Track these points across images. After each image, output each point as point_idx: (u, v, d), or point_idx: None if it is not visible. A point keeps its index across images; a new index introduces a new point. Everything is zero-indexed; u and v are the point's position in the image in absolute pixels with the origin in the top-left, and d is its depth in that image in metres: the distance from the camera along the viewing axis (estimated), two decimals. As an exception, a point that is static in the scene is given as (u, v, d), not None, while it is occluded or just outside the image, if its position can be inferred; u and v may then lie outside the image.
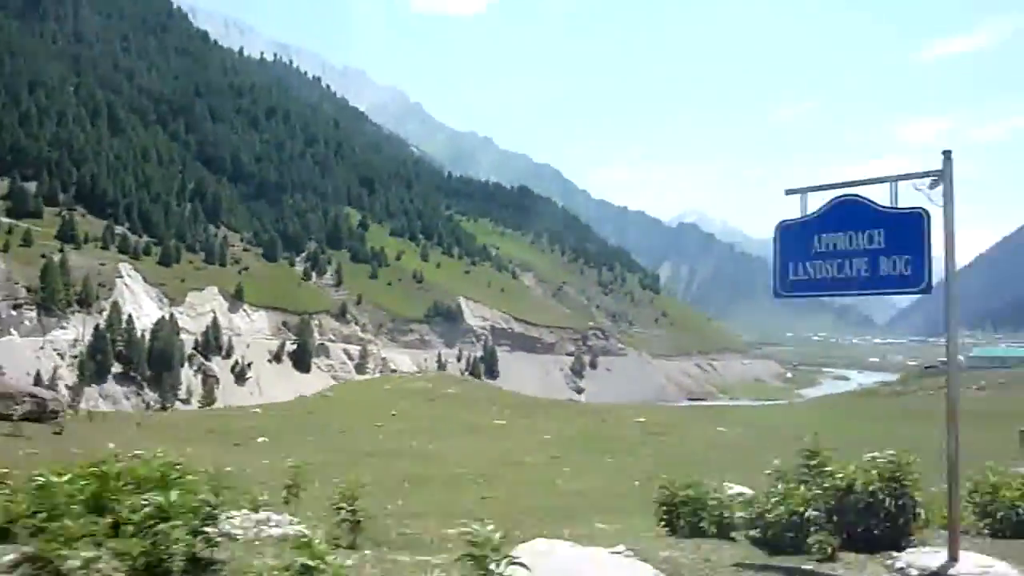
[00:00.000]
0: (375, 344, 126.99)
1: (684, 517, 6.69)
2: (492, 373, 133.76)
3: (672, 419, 37.15)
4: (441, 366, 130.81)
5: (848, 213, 5.59)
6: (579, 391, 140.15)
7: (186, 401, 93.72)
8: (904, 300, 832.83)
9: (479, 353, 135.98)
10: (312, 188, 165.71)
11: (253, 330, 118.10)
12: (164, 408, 76.68)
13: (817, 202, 5.89)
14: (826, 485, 5.95)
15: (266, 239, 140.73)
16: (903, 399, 49.95)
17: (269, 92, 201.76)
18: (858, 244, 5.47)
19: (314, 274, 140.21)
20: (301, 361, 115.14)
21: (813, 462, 6.33)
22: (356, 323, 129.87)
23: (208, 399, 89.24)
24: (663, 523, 6.96)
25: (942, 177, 5.32)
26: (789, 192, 6.01)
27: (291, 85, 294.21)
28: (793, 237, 5.94)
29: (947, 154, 5.35)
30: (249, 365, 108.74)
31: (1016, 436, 28.97)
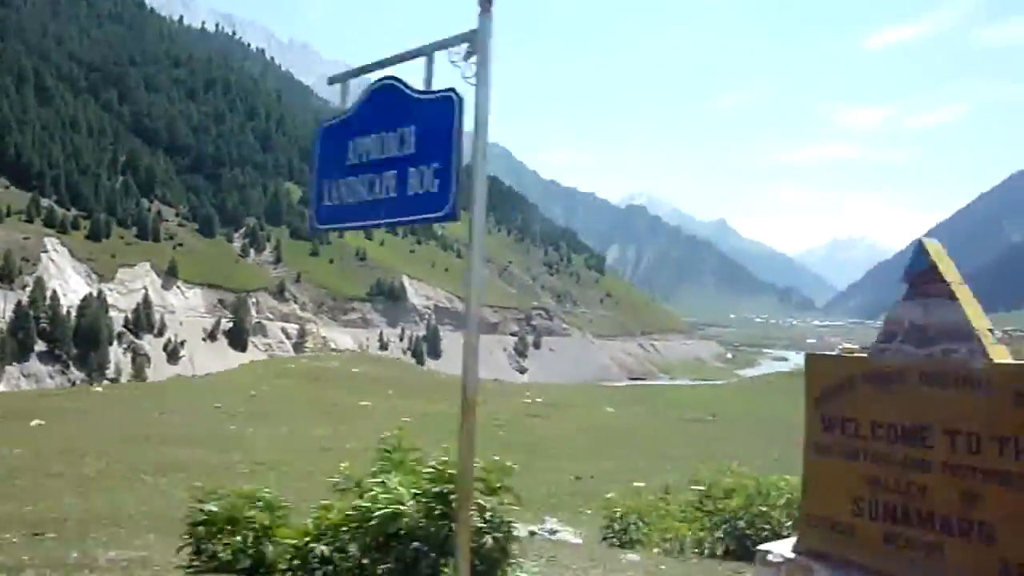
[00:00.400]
0: (314, 323, 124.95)
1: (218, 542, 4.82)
2: (435, 353, 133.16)
3: (571, 399, 37.16)
4: (383, 345, 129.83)
5: (384, 105, 3.78)
6: (522, 371, 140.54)
7: (115, 380, 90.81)
8: (842, 283, 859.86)
9: (422, 332, 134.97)
10: (252, 163, 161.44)
11: (187, 308, 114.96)
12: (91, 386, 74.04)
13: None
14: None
15: (203, 214, 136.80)
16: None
17: (209, 63, 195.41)
18: (389, 150, 3.70)
19: (252, 251, 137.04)
20: (237, 340, 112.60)
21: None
22: (295, 301, 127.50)
23: (139, 377, 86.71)
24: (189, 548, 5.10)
25: (474, 43, 3.40)
26: (331, 81, 4.34)
27: (233, 57, 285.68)
28: (332, 146, 4.09)
29: (485, 5, 3.37)
30: (182, 343, 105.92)
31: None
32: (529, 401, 33.83)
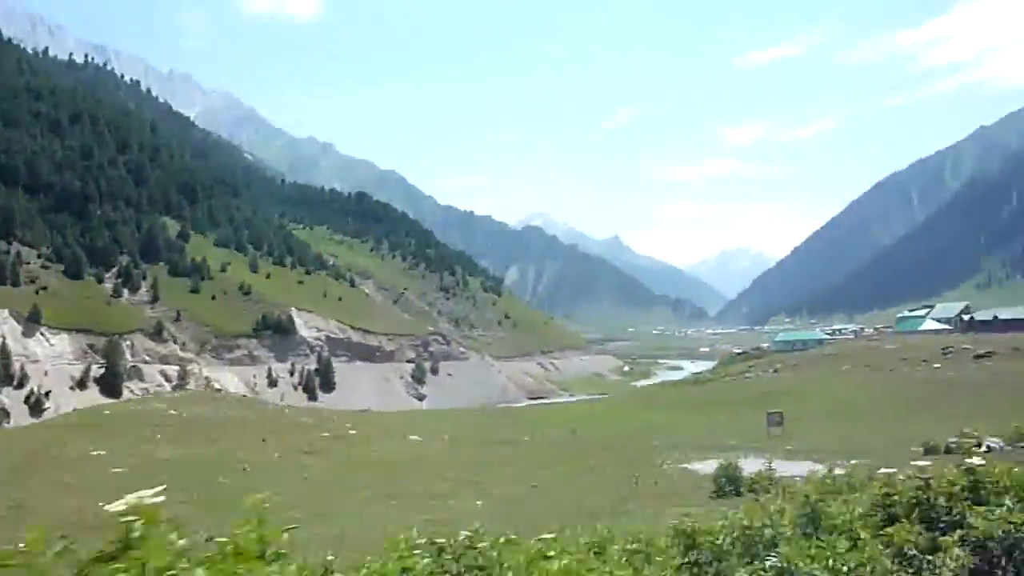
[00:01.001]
0: (196, 363, 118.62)
1: None
2: (328, 386, 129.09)
3: (385, 428, 36.77)
4: (271, 382, 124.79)
5: None
6: (420, 398, 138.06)
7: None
8: (732, 292, 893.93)
9: (313, 366, 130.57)
10: (124, 198, 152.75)
11: (53, 355, 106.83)
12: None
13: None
14: None
15: (69, 255, 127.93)
16: (708, 386, 52.06)
17: (74, 96, 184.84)
18: None
19: (126, 291, 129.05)
20: (110, 386, 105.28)
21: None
22: (175, 341, 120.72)
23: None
24: None
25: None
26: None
27: (104, 89, 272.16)
28: None
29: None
30: (47, 394, 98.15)
31: (767, 418, 30.11)
32: (328, 434, 32.83)
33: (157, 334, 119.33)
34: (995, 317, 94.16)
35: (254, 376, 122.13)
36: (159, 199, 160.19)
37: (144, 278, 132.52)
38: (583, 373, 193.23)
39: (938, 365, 48.04)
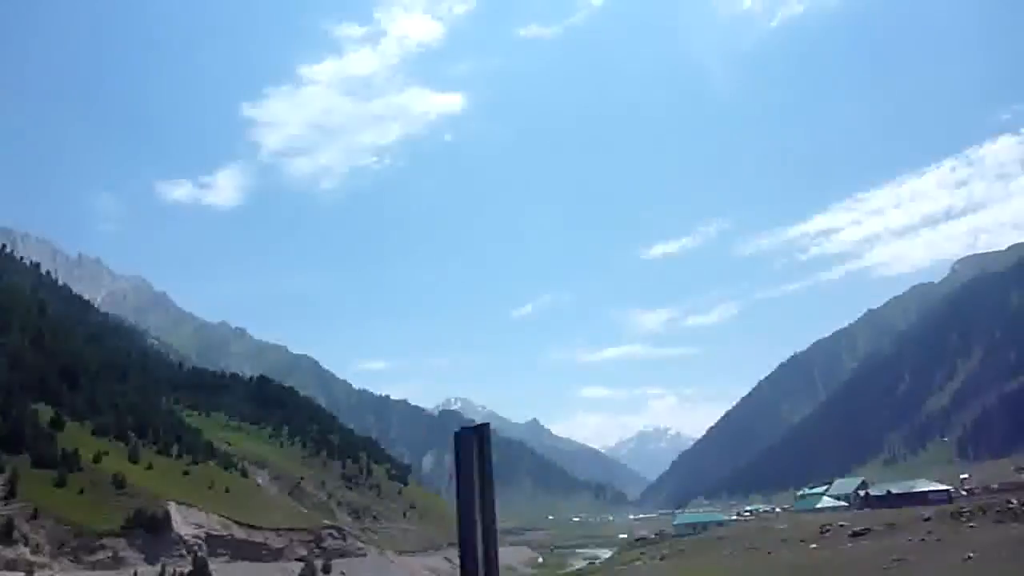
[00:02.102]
0: (49, 568, 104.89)
1: None
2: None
3: None
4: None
5: None
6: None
7: None
8: (652, 475, 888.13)
9: (188, 568, 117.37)
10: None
11: None
12: None
13: None
14: None
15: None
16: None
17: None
18: None
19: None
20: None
21: None
22: (25, 543, 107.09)
23: None
24: None
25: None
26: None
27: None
28: None
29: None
30: None
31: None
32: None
33: (6, 535, 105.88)
34: (888, 492, 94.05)
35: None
36: (34, 384, 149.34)
37: (3, 470, 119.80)
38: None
39: (815, 545, 45.79)
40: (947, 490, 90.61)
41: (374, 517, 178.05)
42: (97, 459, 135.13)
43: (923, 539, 39.74)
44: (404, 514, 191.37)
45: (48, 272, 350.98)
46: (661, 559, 47.76)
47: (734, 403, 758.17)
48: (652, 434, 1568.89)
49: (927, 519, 48.78)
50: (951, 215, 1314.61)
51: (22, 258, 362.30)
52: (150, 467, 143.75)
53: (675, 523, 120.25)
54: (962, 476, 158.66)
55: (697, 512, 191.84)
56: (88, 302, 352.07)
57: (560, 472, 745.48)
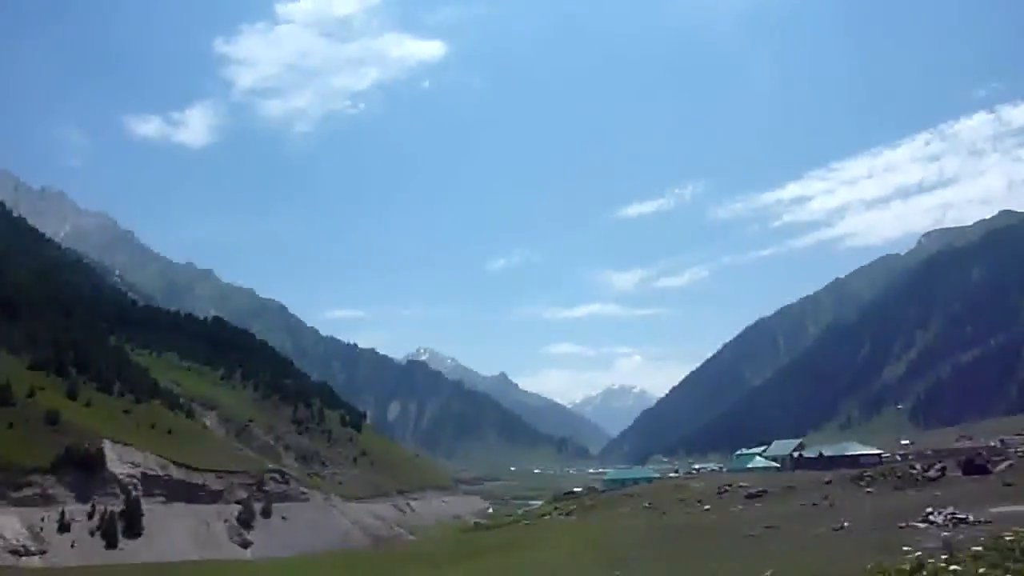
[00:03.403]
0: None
1: None
2: (133, 531, 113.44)
3: None
4: (63, 526, 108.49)
5: None
6: (245, 545, 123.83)
7: None
8: (615, 430, 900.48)
9: (120, 508, 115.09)
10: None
11: None
12: None
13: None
14: None
15: None
16: (497, 531, 46.33)
17: None
18: None
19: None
20: None
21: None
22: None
23: None
24: None
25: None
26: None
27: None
28: None
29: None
30: None
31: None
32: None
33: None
34: (820, 454, 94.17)
35: (43, 519, 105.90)
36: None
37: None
38: (441, 516, 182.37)
39: (708, 507, 44.61)
40: (878, 454, 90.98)
41: (323, 463, 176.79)
42: (31, 394, 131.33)
43: (815, 504, 38.46)
44: (355, 460, 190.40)
45: (1, 203, 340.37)
46: (568, 514, 46.68)
47: (699, 363, 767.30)
48: (618, 392, 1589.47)
49: (828, 482, 47.76)
50: (923, 188, 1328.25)
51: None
52: (88, 404, 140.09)
53: (604, 479, 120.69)
54: (903, 441, 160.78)
55: (627, 469, 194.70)
56: (43, 235, 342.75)
57: (524, 426, 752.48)
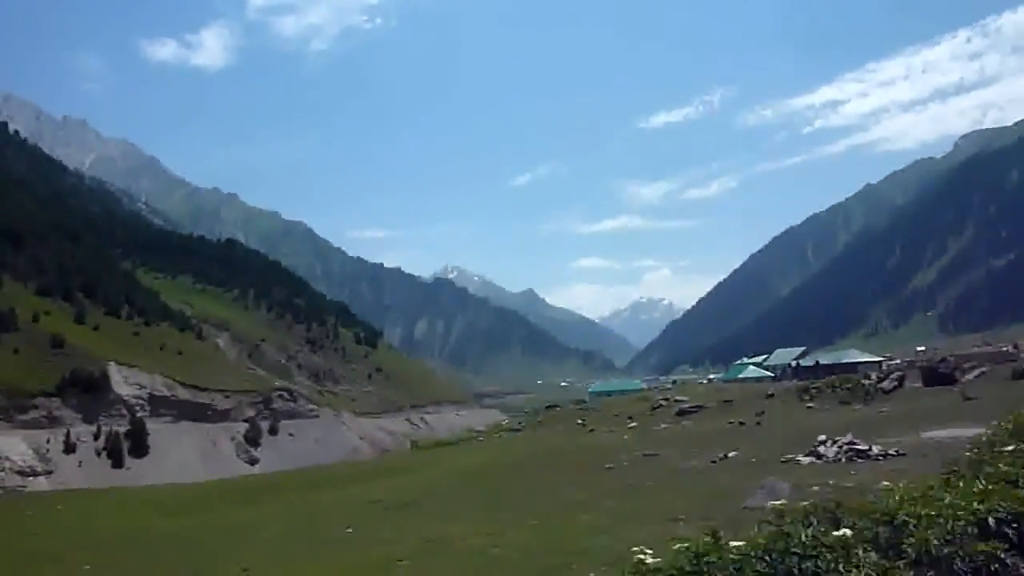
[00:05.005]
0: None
1: None
2: (139, 451, 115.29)
3: None
4: (68, 448, 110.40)
5: None
6: (252, 462, 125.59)
7: None
8: (642, 343, 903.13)
9: (125, 428, 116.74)
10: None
11: None
12: None
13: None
14: None
15: None
16: (463, 445, 44.63)
17: None
18: None
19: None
20: None
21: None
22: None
23: None
24: None
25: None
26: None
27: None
28: None
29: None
30: None
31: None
32: None
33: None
34: (817, 363, 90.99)
35: (48, 441, 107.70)
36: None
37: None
38: (456, 429, 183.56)
39: (634, 424, 41.96)
40: (878, 361, 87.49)
41: (335, 380, 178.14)
42: (36, 319, 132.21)
43: (742, 423, 35.41)
44: (369, 376, 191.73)
45: (16, 132, 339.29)
46: (517, 430, 44.85)
47: (727, 274, 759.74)
48: (646, 305, 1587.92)
49: (770, 395, 44.77)
50: (962, 88, 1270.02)
51: (4, 123, 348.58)
52: (96, 328, 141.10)
53: (589, 391, 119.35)
54: (918, 348, 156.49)
55: (613, 382, 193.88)
56: (59, 163, 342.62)
57: (552, 340, 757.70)
